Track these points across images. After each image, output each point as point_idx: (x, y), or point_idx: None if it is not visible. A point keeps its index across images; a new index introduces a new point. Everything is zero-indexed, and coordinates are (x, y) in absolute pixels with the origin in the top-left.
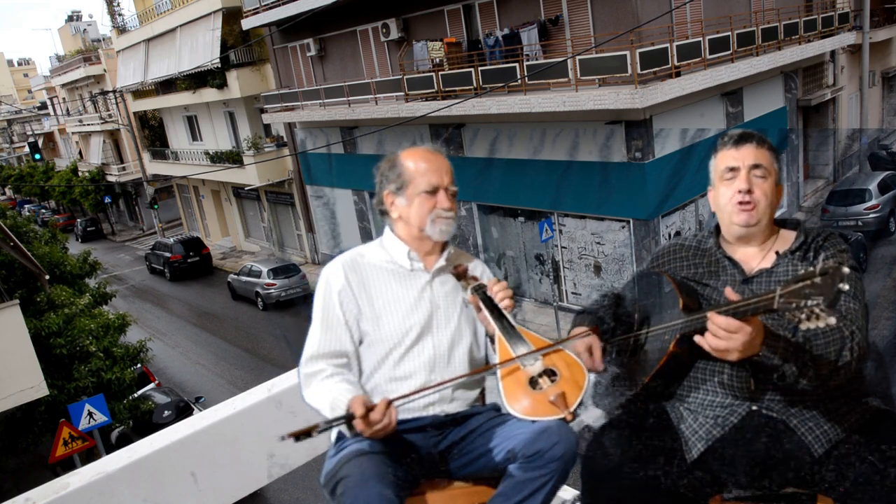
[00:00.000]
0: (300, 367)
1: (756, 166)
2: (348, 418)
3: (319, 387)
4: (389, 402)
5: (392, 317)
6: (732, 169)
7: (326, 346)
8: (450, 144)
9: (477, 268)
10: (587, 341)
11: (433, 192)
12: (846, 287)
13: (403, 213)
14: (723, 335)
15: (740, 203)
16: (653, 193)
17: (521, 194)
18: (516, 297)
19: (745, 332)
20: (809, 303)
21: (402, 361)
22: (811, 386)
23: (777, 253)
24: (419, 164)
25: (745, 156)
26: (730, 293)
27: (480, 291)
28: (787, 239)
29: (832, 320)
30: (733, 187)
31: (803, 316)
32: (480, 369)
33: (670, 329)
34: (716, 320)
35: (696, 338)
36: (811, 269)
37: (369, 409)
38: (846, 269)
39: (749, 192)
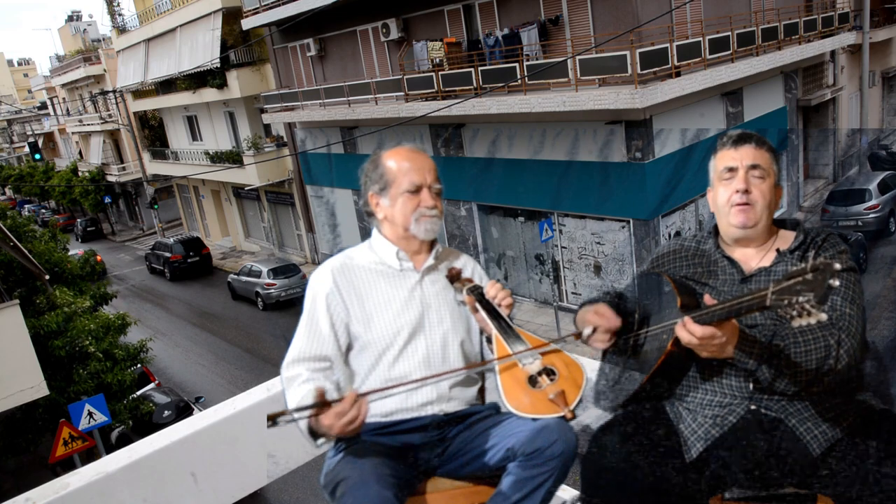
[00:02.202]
0: (282, 369)
1: (754, 167)
2: (318, 406)
3: (295, 392)
4: (359, 396)
5: (383, 318)
6: (731, 169)
7: (308, 351)
8: (450, 144)
9: (467, 266)
10: (596, 308)
11: (416, 191)
12: (836, 283)
13: (388, 213)
14: (693, 341)
15: (738, 204)
16: (653, 193)
17: (521, 194)
18: (514, 297)
19: (717, 337)
20: (801, 299)
21: (397, 362)
22: (791, 390)
23: (778, 251)
24: (401, 164)
25: (743, 156)
26: (707, 299)
27: (476, 292)
28: (786, 239)
29: (823, 316)
30: (731, 187)
31: (794, 313)
32: (478, 364)
33: (669, 328)
34: (690, 328)
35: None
36: (802, 265)
37: (336, 400)
38: (837, 265)
39: (746, 192)
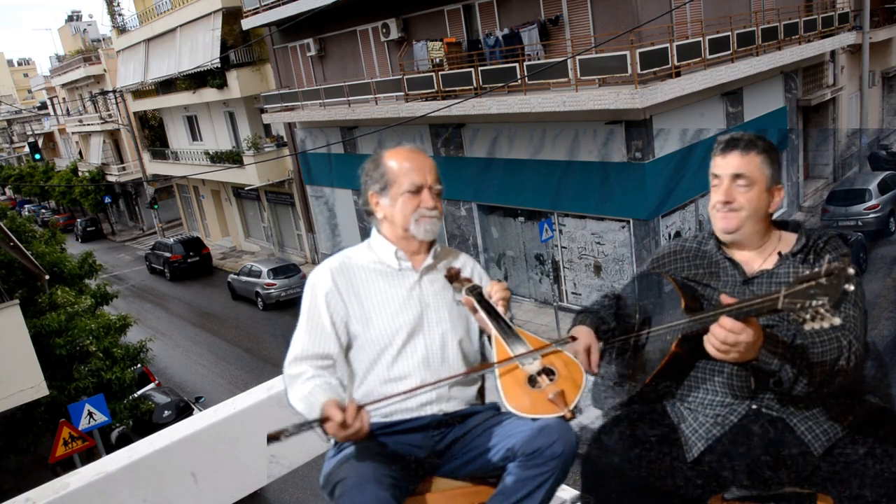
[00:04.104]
0: (285, 368)
1: (737, 176)
2: (320, 422)
3: (301, 388)
4: (360, 408)
5: (381, 317)
6: (717, 176)
7: (310, 349)
8: (450, 144)
9: (466, 266)
10: (587, 342)
11: (417, 191)
12: (852, 288)
13: (388, 213)
14: (732, 339)
15: (721, 210)
16: (653, 193)
17: (521, 194)
18: (514, 296)
19: (749, 335)
20: (814, 303)
21: (396, 362)
22: (805, 391)
23: (780, 254)
24: (402, 164)
25: (727, 165)
26: (725, 298)
27: (475, 292)
28: (787, 241)
29: (837, 320)
30: (717, 195)
31: (808, 316)
32: (477, 368)
33: (672, 329)
34: (723, 322)
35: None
36: (816, 269)
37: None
38: (851, 270)
39: (728, 202)
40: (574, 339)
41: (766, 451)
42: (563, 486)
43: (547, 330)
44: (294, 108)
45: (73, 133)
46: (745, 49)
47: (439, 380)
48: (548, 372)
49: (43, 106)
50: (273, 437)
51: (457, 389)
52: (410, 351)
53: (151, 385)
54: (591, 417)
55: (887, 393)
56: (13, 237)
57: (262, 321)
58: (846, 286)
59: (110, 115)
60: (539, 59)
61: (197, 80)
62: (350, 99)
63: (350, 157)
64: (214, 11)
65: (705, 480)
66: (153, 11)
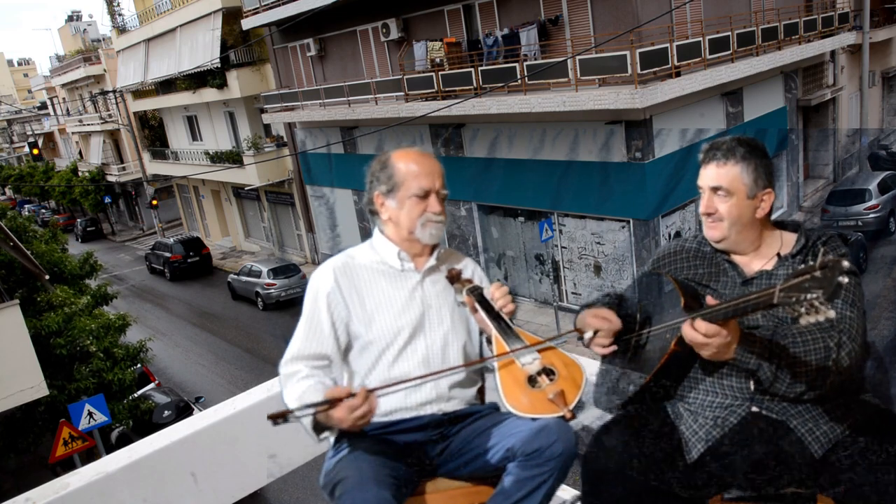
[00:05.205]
0: (280, 367)
1: (716, 188)
2: (329, 403)
3: (295, 387)
4: (370, 391)
5: (383, 317)
6: (700, 187)
7: (307, 349)
8: (450, 144)
9: (468, 268)
10: (597, 311)
11: (424, 195)
12: (846, 280)
13: (394, 215)
14: (700, 339)
15: (706, 221)
16: (653, 193)
17: (521, 194)
18: (514, 297)
19: (722, 336)
20: (809, 296)
21: (397, 362)
22: (792, 391)
23: (779, 255)
24: (411, 167)
25: (706, 177)
26: (710, 301)
27: (476, 293)
28: (787, 242)
29: (832, 313)
30: (700, 205)
31: (803, 310)
32: (474, 362)
33: (672, 328)
34: (697, 325)
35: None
36: (811, 263)
37: (349, 395)
38: (846, 263)
39: (709, 214)
40: (579, 331)
41: (765, 453)
42: (563, 486)
43: (547, 330)
44: (294, 108)
45: (73, 133)
46: (745, 49)
47: (447, 369)
48: (548, 372)
49: (43, 106)
50: (276, 418)
51: (457, 389)
52: (411, 351)
53: (151, 385)
54: (591, 417)
55: (887, 393)
56: (13, 237)
57: (262, 321)
58: (840, 278)
59: (110, 115)
60: (536, 59)
61: (197, 80)
62: (350, 99)
63: (350, 157)
64: (214, 11)
65: (705, 481)
66: (153, 11)
